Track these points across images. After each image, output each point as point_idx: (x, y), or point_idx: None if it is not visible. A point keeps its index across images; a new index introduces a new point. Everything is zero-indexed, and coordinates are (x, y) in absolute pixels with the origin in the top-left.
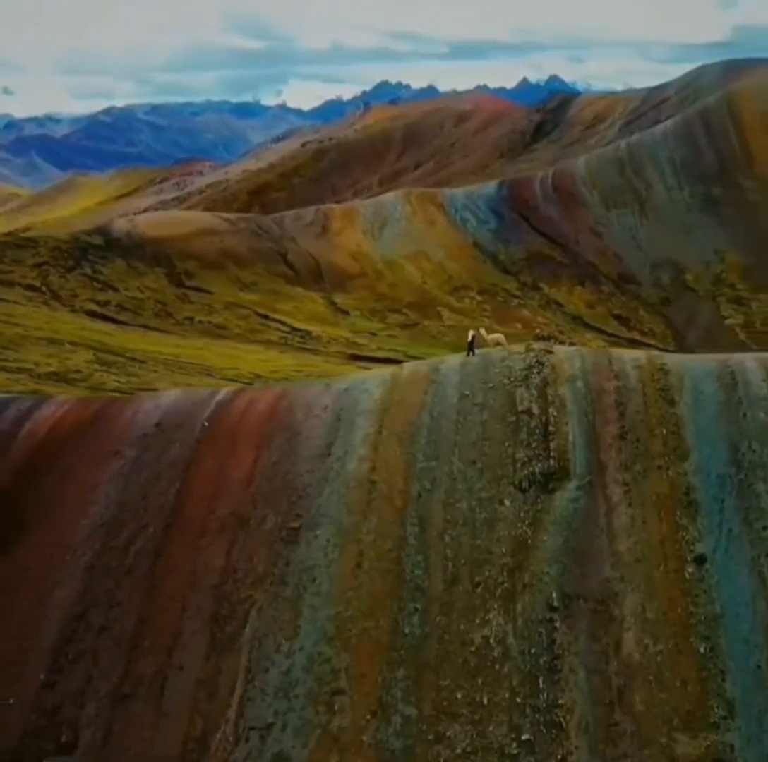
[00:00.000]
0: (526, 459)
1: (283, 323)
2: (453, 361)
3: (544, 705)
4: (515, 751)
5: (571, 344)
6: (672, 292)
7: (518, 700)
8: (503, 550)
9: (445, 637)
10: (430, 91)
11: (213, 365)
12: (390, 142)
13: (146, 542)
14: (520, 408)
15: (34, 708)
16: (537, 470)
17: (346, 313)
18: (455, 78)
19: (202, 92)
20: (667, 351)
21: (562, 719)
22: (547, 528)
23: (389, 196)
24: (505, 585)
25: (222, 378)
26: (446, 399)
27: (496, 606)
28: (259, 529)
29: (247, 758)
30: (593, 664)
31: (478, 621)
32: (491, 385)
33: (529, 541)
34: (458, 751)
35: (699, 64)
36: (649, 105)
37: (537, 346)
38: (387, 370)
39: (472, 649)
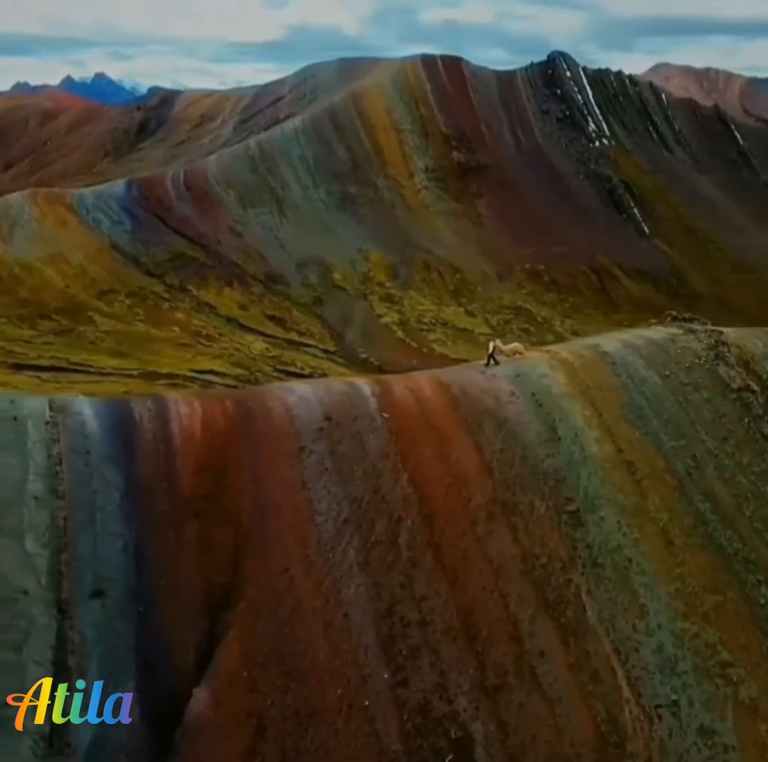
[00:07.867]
0: None
1: None
2: (612, 343)
3: None
4: None
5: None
6: (323, 292)
7: None
8: None
9: None
10: None
11: None
12: None
13: (413, 535)
14: (734, 385)
15: (397, 707)
16: None
17: None
18: None
19: None
20: (331, 352)
21: None
22: None
23: (14, 197)
24: None
25: None
26: (647, 380)
27: None
28: (533, 515)
29: (672, 735)
30: None
31: None
32: (686, 365)
33: None
34: None
35: (251, 64)
36: (262, 103)
37: (698, 327)
38: (536, 356)
39: None
